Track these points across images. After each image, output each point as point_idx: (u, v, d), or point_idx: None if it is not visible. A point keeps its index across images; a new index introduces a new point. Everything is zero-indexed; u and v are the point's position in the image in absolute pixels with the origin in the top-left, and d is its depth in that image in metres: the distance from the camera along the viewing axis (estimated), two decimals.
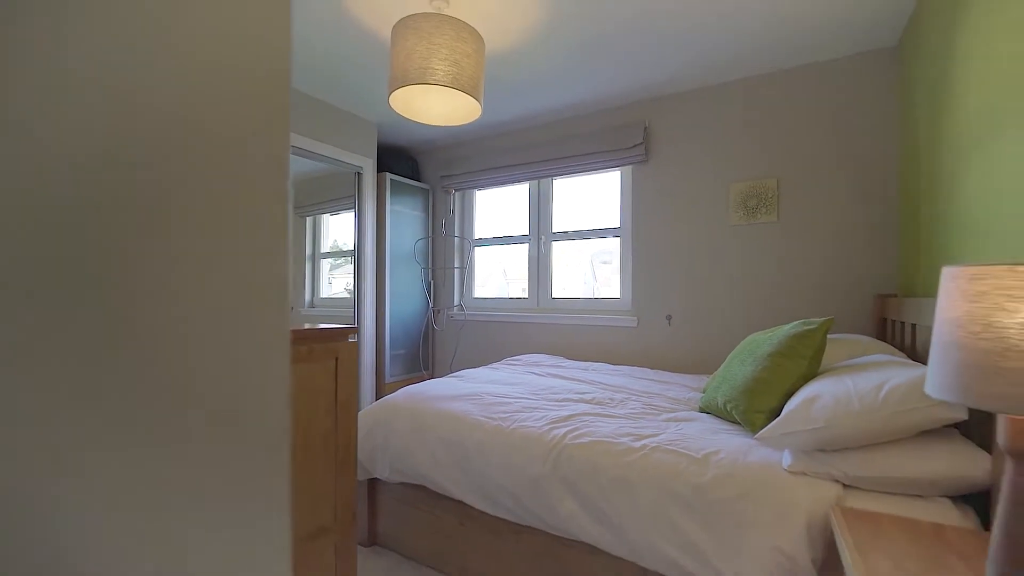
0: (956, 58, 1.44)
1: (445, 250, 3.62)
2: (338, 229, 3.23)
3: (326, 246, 3.23)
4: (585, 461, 1.34)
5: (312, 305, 3.14)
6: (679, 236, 2.68)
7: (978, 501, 1.05)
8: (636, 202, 2.83)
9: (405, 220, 3.43)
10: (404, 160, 3.50)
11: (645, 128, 2.73)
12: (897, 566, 0.79)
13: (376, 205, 3.24)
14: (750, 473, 1.15)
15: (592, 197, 3.12)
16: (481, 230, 3.61)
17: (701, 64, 2.35)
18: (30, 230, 0.23)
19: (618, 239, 2.97)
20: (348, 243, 3.19)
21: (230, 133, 0.32)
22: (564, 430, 1.47)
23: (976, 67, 1.30)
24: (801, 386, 1.34)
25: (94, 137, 0.25)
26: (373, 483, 1.84)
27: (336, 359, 1.05)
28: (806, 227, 2.34)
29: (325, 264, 3.24)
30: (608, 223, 3.02)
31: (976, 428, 1.12)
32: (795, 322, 1.65)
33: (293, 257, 3.00)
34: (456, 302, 3.56)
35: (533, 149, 3.10)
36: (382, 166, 3.34)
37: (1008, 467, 0.71)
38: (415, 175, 3.61)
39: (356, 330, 1.07)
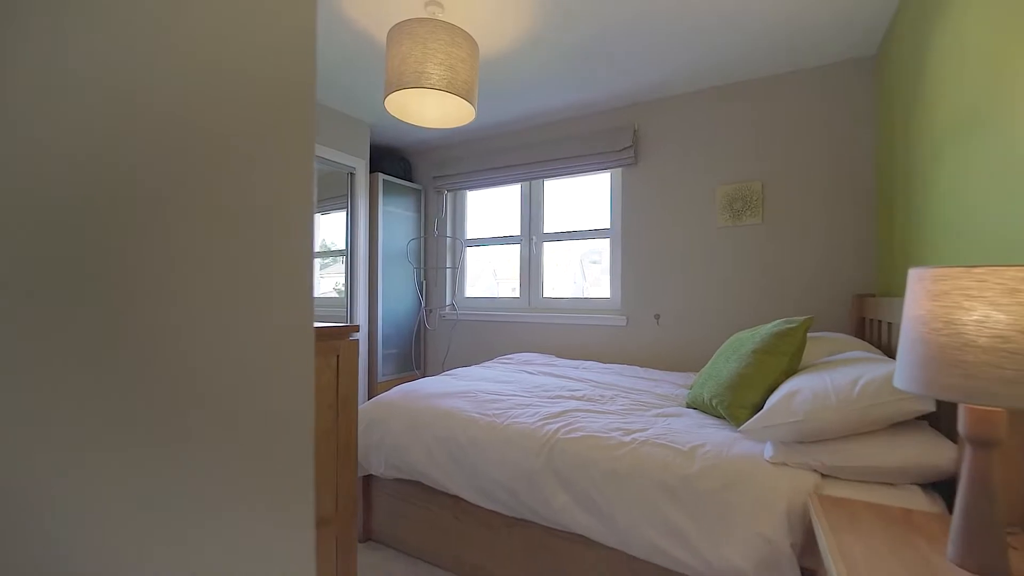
0: (928, 67, 1.51)
1: (437, 250, 3.65)
2: (328, 229, 3.25)
3: (316, 246, 3.25)
4: (577, 455, 1.38)
5: None
6: (667, 237, 2.75)
7: (946, 488, 1.11)
8: (625, 204, 2.89)
9: (397, 220, 3.45)
10: (397, 160, 3.52)
11: (634, 131, 2.79)
12: (868, 547, 0.85)
13: (369, 205, 3.26)
14: (734, 464, 1.21)
15: (583, 198, 3.17)
16: (473, 230, 3.64)
17: (688, 70, 2.41)
18: (30, 230, 0.23)
19: (608, 240, 3.03)
20: (337, 243, 3.20)
21: (247, 135, 0.33)
22: (557, 425, 1.52)
23: (946, 76, 1.37)
24: (783, 381, 1.40)
25: (94, 137, 0.25)
26: (368, 480, 1.87)
27: (337, 356, 1.09)
28: (789, 229, 2.42)
29: (315, 264, 3.25)
30: (598, 224, 3.07)
31: (944, 420, 1.19)
32: (777, 320, 1.72)
33: None
34: (448, 302, 3.59)
35: (525, 151, 3.15)
36: (374, 166, 3.36)
37: (967, 453, 0.77)
38: (407, 175, 3.63)
39: (357, 328, 1.11)
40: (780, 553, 1.06)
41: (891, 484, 1.10)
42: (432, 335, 3.65)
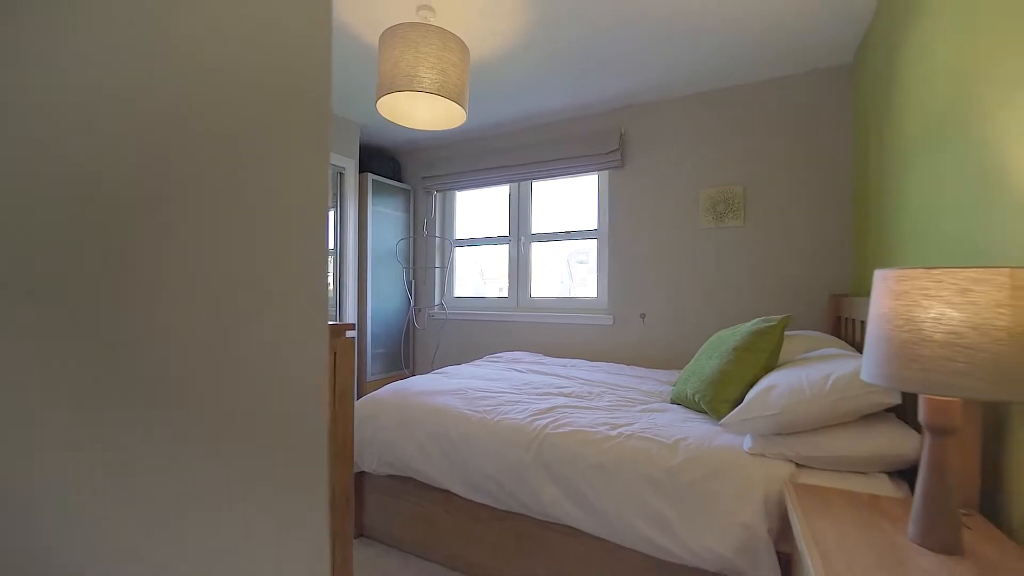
0: (898, 78, 1.59)
1: (426, 250, 3.67)
2: None
3: None
4: (566, 449, 1.43)
5: None
6: (653, 238, 2.81)
7: (912, 475, 1.18)
8: (612, 205, 2.95)
9: (386, 220, 3.47)
10: (386, 161, 3.53)
11: (621, 135, 2.85)
12: (838, 530, 0.91)
13: (358, 205, 3.27)
14: (715, 456, 1.26)
15: (570, 200, 3.23)
16: (462, 231, 3.67)
17: (673, 76, 2.48)
18: (31, 230, 0.23)
19: (595, 241, 3.08)
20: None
21: (256, 137, 0.32)
22: (546, 421, 1.56)
23: (915, 88, 1.45)
24: (761, 377, 1.47)
25: (95, 137, 0.25)
26: (359, 476, 1.90)
27: (334, 354, 1.12)
28: (769, 231, 2.50)
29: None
30: (585, 225, 3.13)
31: (910, 412, 1.27)
32: (757, 319, 1.78)
33: None
34: (437, 301, 3.62)
35: (513, 152, 3.19)
36: (364, 166, 3.37)
37: (926, 440, 0.83)
38: (397, 176, 3.65)
39: (353, 326, 1.14)
40: (758, 538, 1.12)
41: (862, 472, 1.17)
42: (421, 334, 3.67)
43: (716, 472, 1.23)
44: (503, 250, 3.45)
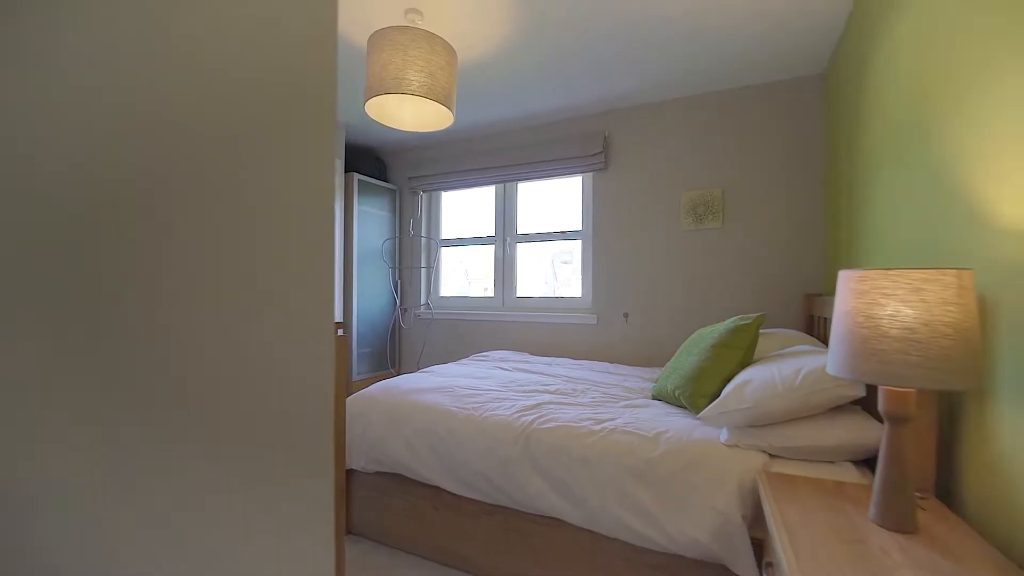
0: (867, 89, 1.68)
1: (412, 250, 3.69)
2: None
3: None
4: (551, 443, 1.48)
5: None
6: (636, 240, 2.88)
7: (875, 463, 1.26)
8: (596, 207, 3.02)
9: (372, 220, 3.47)
10: (372, 160, 3.54)
11: (605, 138, 2.92)
12: (805, 513, 0.97)
13: (344, 205, 3.28)
14: (693, 448, 1.32)
15: (555, 201, 3.28)
16: (448, 231, 3.70)
17: (656, 81, 2.55)
18: (30, 230, 0.23)
19: (579, 241, 3.14)
20: None
21: (258, 138, 0.33)
22: (532, 417, 1.61)
23: (881, 98, 1.53)
24: (738, 373, 1.54)
25: (95, 138, 0.25)
26: (348, 474, 1.92)
27: None
28: (747, 233, 2.59)
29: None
30: (570, 226, 3.19)
31: (875, 405, 1.35)
32: (733, 317, 1.86)
33: None
34: (423, 301, 3.64)
35: (499, 154, 3.23)
36: (349, 166, 3.37)
37: (885, 428, 0.90)
38: (382, 176, 3.66)
39: (343, 324, 1.16)
40: (733, 525, 1.18)
41: (829, 461, 1.24)
42: (407, 334, 3.69)
43: (694, 463, 1.29)
44: (488, 250, 3.49)
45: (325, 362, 0.39)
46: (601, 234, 3.00)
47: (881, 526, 0.90)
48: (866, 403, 1.42)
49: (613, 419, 1.57)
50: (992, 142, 0.91)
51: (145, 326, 0.27)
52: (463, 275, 3.66)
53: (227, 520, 0.32)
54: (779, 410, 1.24)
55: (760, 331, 1.89)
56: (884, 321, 0.82)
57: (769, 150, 2.55)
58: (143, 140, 0.27)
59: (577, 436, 1.47)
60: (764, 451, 1.28)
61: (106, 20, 0.25)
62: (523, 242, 3.35)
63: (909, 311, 0.80)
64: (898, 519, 0.88)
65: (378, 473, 1.83)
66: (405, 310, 3.69)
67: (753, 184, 2.58)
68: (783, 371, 1.32)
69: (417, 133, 3.40)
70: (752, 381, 1.34)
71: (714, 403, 1.37)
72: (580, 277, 3.14)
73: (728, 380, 1.54)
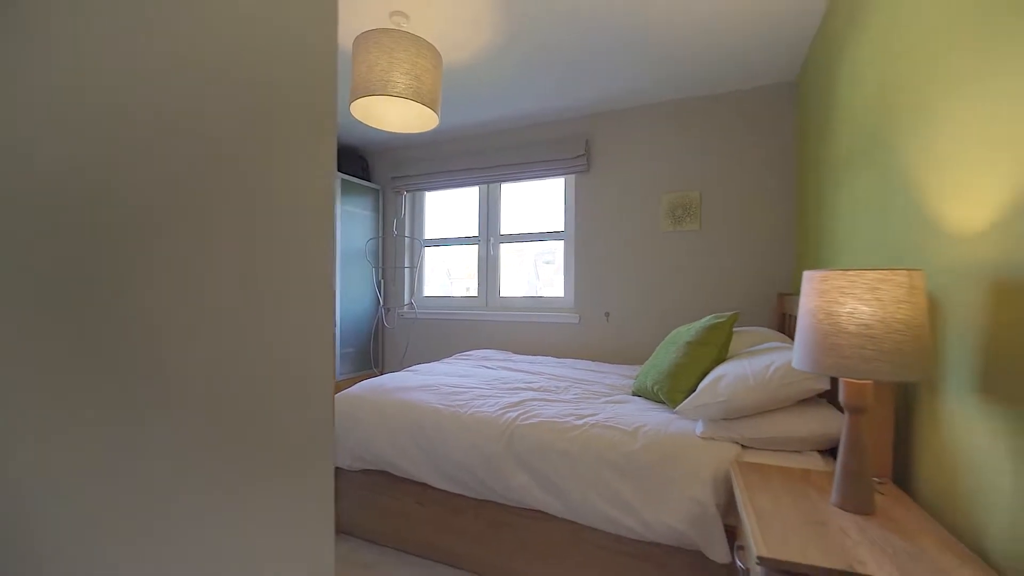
0: (835, 98, 1.77)
1: (396, 250, 3.69)
2: None
3: None
4: (535, 439, 1.52)
5: None
6: (617, 241, 2.95)
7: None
8: (578, 208, 3.08)
9: (355, 219, 3.47)
10: (355, 160, 3.54)
11: (587, 140, 2.98)
12: (773, 499, 1.03)
13: None
14: (671, 441, 1.38)
15: (538, 202, 3.33)
16: (431, 231, 3.72)
17: (637, 87, 2.62)
18: (29, 231, 0.23)
19: (561, 242, 3.20)
20: None
21: (258, 139, 0.33)
22: (515, 413, 1.65)
23: (846, 108, 1.62)
24: (712, 368, 1.60)
25: (95, 138, 0.25)
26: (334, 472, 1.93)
27: None
28: (723, 235, 2.68)
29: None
30: (552, 227, 3.24)
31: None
32: (709, 316, 1.93)
33: None
34: (407, 301, 3.65)
35: (483, 155, 3.27)
36: None
37: (845, 418, 0.97)
38: (366, 175, 3.65)
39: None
40: (708, 513, 1.24)
41: (797, 451, 1.31)
42: (391, 334, 3.69)
43: (671, 455, 1.35)
44: (471, 250, 3.52)
45: (326, 362, 0.39)
46: (583, 235, 3.06)
47: (842, 509, 0.96)
48: (831, 396, 1.50)
49: (594, 415, 1.62)
50: (944, 151, 0.98)
51: (144, 326, 0.27)
52: (445, 275, 3.69)
53: (228, 519, 0.32)
54: (751, 403, 1.31)
55: (734, 329, 1.96)
56: (843, 318, 0.88)
57: (745, 155, 2.64)
58: (143, 141, 0.27)
59: (559, 431, 1.52)
60: (737, 442, 1.34)
61: (106, 20, 0.25)
62: (506, 242, 3.39)
63: (866, 308, 0.86)
64: (857, 502, 0.95)
65: (364, 471, 1.85)
66: (388, 310, 3.69)
67: (729, 187, 2.67)
68: (754, 366, 1.39)
69: (401, 133, 3.40)
70: (726, 376, 1.41)
71: (690, 397, 1.43)
72: (563, 277, 3.19)
73: (704, 376, 1.61)
